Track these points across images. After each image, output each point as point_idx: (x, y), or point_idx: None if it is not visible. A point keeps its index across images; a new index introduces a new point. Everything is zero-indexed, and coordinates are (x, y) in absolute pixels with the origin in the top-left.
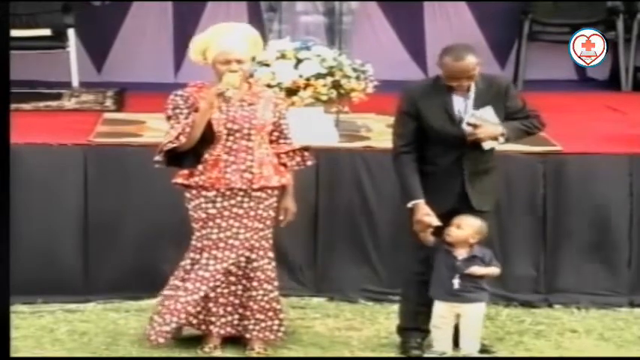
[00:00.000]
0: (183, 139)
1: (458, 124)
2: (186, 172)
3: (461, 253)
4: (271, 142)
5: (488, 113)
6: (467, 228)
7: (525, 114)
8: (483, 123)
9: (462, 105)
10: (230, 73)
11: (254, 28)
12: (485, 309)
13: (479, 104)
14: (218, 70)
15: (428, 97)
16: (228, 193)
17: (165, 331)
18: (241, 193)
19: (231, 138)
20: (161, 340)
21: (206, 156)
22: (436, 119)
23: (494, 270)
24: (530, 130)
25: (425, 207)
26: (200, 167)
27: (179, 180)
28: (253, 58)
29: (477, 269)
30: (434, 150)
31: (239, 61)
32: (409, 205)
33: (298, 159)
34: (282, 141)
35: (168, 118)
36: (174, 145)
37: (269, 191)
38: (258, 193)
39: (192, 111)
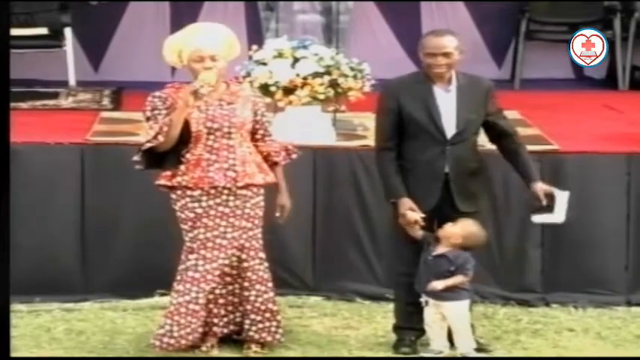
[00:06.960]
0: (161, 138)
1: (439, 116)
2: (168, 173)
3: (438, 250)
4: (257, 140)
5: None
6: (458, 228)
7: (502, 116)
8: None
9: (443, 97)
10: (205, 71)
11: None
12: (467, 308)
13: (461, 98)
14: (193, 68)
15: (409, 90)
16: (212, 191)
17: (160, 334)
18: (226, 192)
19: (211, 137)
20: (157, 344)
21: (188, 156)
22: (418, 112)
23: (455, 280)
24: None
25: (408, 201)
26: (182, 167)
27: (162, 182)
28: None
29: (436, 284)
30: (414, 145)
31: (212, 58)
32: (392, 200)
33: (284, 154)
34: (267, 139)
35: (147, 119)
36: (152, 144)
37: (254, 189)
38: (244, 192)
39: (170, 111)
